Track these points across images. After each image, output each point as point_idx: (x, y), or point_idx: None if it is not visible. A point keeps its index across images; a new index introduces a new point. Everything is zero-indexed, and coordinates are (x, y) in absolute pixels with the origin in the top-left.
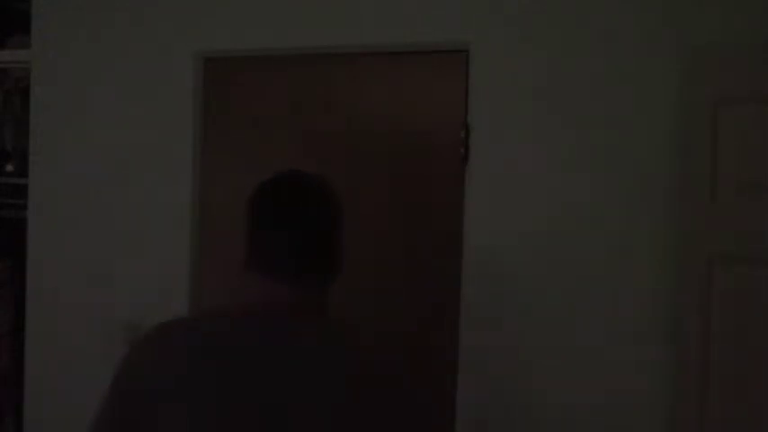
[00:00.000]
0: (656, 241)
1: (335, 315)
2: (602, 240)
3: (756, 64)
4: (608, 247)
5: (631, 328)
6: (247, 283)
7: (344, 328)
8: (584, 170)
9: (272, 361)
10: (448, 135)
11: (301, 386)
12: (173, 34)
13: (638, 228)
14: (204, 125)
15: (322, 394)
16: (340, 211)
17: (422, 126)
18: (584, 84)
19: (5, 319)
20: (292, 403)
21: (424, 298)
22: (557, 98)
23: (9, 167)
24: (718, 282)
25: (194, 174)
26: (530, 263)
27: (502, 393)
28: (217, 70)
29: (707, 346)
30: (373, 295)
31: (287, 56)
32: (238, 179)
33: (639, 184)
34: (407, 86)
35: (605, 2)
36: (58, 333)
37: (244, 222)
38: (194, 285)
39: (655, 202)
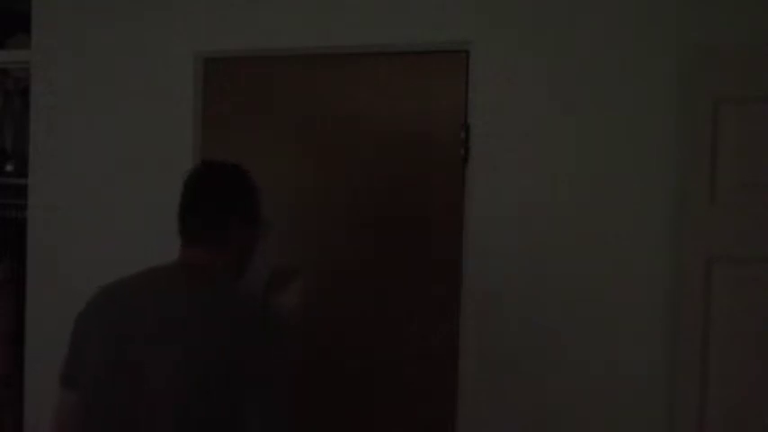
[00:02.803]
0: (656, 241)
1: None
2: (602, 240)
3: (756, 64)
4: (608, 246)
5: (631, 328)
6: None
7: (224, 282)
8: (584, 170)
9: (167, 304)
10: (448, 135)
11: (183, 321)
12: (173, 34)
13: (639, 227)
14: (204, 125)
15: (182, 327)
16: (247, 193)
17: (422, 126)
18: (584, 84)
19: (6, 318)
20: (159, 336)
21: (425, 298)
22: (556, 98)
23: (9, 167)
24: (718, 282)
25: None
26: (530, 263)
27: (502, 392)
28: (217, 70)
29: (707, 346)
30: (374, 295)
31: (287, 56)
32: None
33: (640, 184)
34: (407, 86)
35: (605, 2)
36: (58, 333)
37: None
38: None
39: (655, 201)
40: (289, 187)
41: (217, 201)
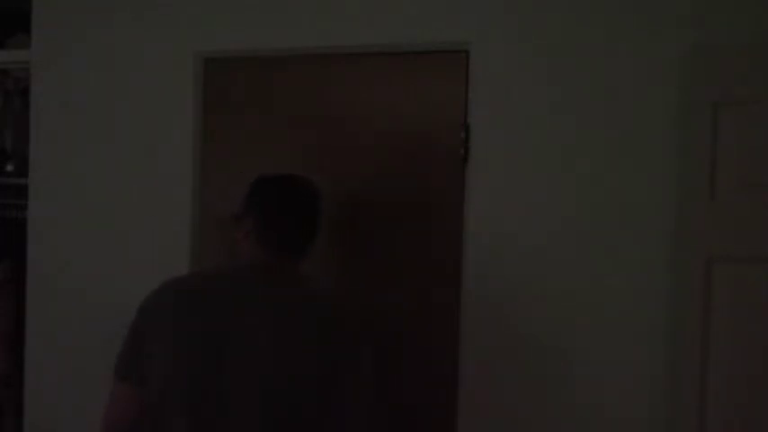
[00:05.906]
0: (657, 241)
1: (307, 275)
2: (602, 240)
3: (756, 64)
4: (608, 246)
5: (631, 328)
6: (249, 250)
7: (311, 284)
8: (584, 170)
9: (251, 303)
10: (448, 135)
11: (267, 321)
12: (173, 34)
13: (639, 227)
14: (204, 125)
15: (279, 326)
16: (321, 204)
17: (422, 126)
18: (584, 84)
19: (5, 318)
20: (256, 333)
21: (425, 298)
22: (557, 98)
23: (9, 167)
24: (718, 282)
25: (194, 174)
26: (530, 263)
27: (502, 392)
28: (217, 70)
29: (707, 346)
30: (373, 295)
31: (287, 56)
32: (238, 179)
33: (639, 184)
34: (407, 86)
35: (605, 2)
36: (58, 333)
37: (247, 207)
38: None
39: (654, 201)
40: None
41: (313, 219)
